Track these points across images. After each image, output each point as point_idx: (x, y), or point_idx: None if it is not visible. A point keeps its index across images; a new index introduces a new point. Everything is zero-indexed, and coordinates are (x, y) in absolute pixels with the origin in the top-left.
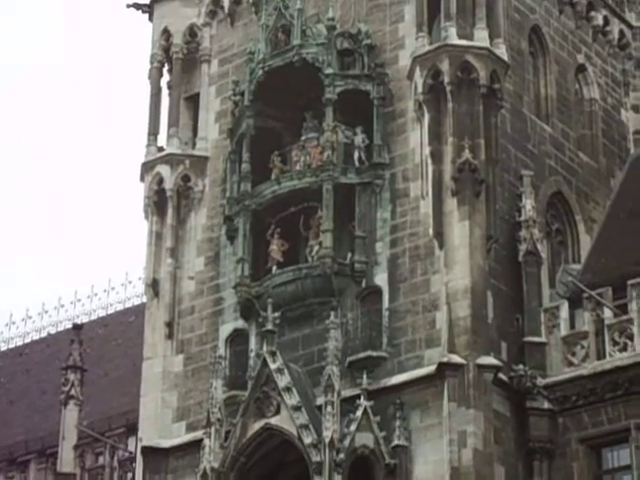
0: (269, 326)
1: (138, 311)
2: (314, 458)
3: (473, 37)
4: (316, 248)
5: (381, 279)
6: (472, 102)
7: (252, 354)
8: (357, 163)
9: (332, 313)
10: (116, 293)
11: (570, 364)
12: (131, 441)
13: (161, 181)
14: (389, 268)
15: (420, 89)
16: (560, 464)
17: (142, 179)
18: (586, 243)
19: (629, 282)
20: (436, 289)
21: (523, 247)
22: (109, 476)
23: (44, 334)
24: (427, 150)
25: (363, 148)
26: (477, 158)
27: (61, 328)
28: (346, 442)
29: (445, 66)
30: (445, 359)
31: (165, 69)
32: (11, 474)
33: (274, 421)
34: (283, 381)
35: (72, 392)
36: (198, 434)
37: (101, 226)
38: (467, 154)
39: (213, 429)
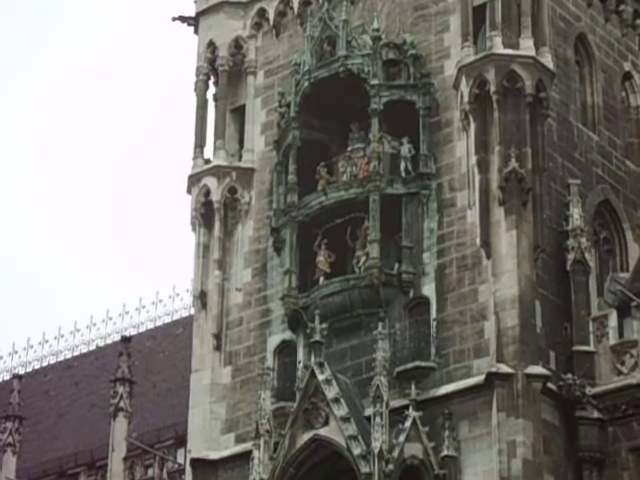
0: (317, 337)
1: (186, 323)
2: (363, 469)
3: (519, 46)
4: (363, 259)
5: (429, 289)
6: (518, 111)
7: (300, 365)
8: (403, 173)
9: (380, 324)
10: (164, 305)
11: (619, 373)
12: (180, 453)
13: (208, 193)
14: (436, 278)
15: (466, 99)
16: (610, 474)
17: (189, 191)
18: (634, 251)
19: None
20: (484, 299)
21: (571, 256)
22: None
23: (93, 347)
24: (474, 160)
25: (409, 158)
26: (524, 167)
27: (109, 341)
28: (395, 453)
29: (491, 75)
30: (494, 369)
31: (211, 81)
32: None
33: (323, 432)
34: (331, 392)
35: (121, 404)
36: (247, 446)
37: (149, 239)
38: (514, 163)
39: (262, 440)
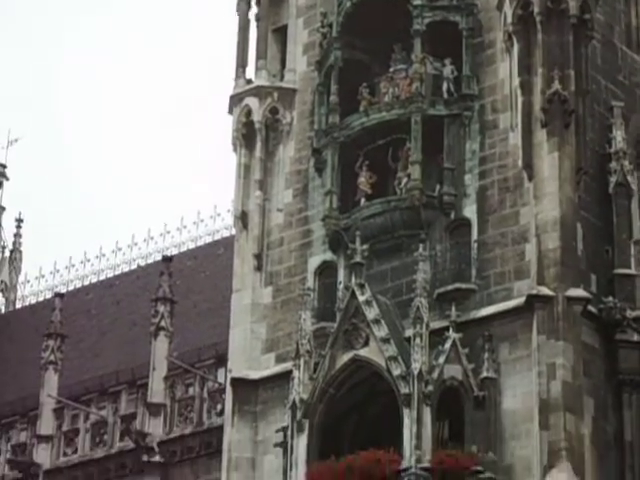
0: (357, 258)
1: (227, 243)
2: (402, 390)
3: None
4: (404, 180)
5: (470, 211)
6: (562, 33)
7: (340, 286)
8: (446, 95)
9: (420, 245)
10: (205, 225)
11: None
12: (220, 372)
13: (249, 113)
14: (478, 200)
15: (509, 20)
16: None
17: (230, 112)
18: None
19: None
20: (525, 221)
21: (613, 179)
22: (199, 407)
23: (134, 266)
24: (516, 81)
25: (452, 80)
26: (567, 89)
27: (150, 260)
28: (435, 374)
29: None
30: (534, 291)
31: (253, 1)
32: (102, 404)
33: (363, 353)
34: (372, 313)
35: (162, 324)
36: (287, 366)
37: (190, 159)
38: (557, 85)
39: (302, 361)
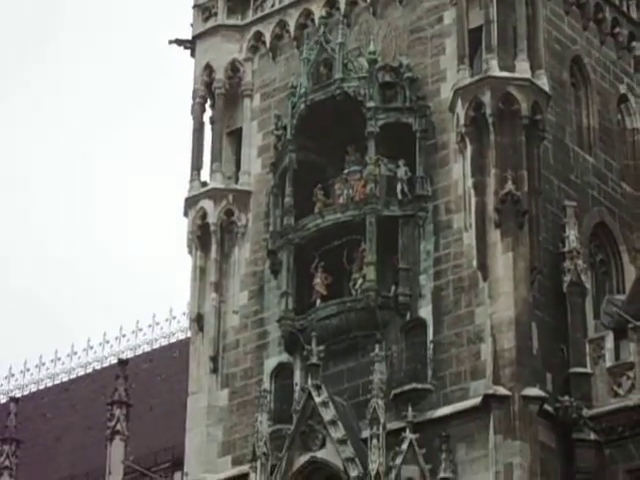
0: (314, 360)
1: (183, 346)
2: None
3: (514, 69)
4: (360, 281)
5: (425, 311)
6: (514, 134)
7: (297, 388)
8: (400, 196)
9: (377, 346)
10: (161, 328)
11: (616, 395)
12: (177, 476)
13: (205, 216)
14: (433, 300)
15: (462, 121)
16: None
17: (186, 214)
18: (630, 273)
19: None
20: (480, 321)
21: (567, 278)
22: None
23: (89, 370)
24: (470, 182)
25: (406, 181)
26: (520, 189)
27: (106, 364)
28: (392, 475)
29: (487, 98)
30: (490, 391)
31: (207, 104)
32: None
33: (320, 455)
34: (328, 414)
35: (118, 427)
36: (244, 468)
37: (145, 261)
38: (510, 185)
39: (259, 463)
